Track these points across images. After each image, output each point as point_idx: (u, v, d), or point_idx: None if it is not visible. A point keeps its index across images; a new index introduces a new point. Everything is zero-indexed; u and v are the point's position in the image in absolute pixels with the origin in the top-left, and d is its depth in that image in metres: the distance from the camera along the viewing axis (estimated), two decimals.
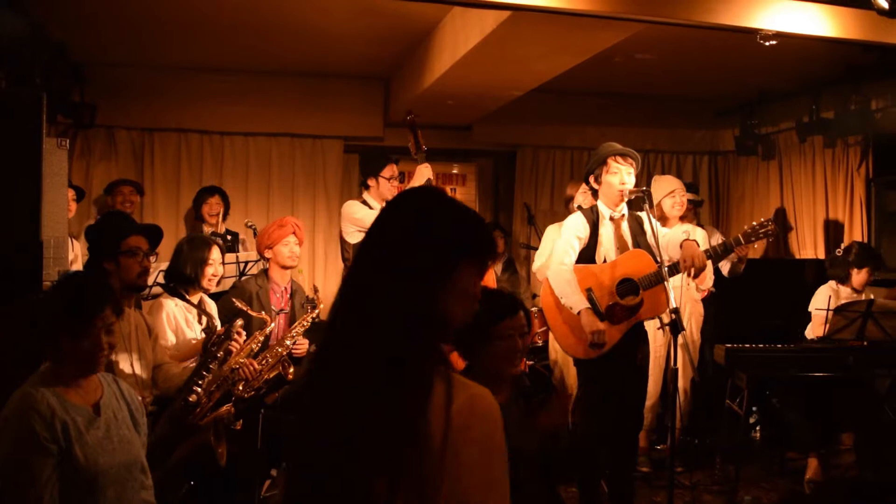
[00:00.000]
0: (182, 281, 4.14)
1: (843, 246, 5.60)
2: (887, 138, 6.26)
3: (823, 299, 5.47)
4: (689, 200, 5.94)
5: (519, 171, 7.92)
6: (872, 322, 4.95)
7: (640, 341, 4.38)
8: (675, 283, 4.49)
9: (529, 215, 7.35)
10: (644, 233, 4.35)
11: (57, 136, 5.29)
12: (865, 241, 6.35)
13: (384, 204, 5.49)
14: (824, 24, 4.42)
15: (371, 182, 5.54)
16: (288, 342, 4.27)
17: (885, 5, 4.06)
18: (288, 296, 4.89)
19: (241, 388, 3.90)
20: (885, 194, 6.30)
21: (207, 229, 6.29)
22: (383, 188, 5.51)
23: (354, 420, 1.33)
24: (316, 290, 4.75)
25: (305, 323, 4.44)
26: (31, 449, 2.23)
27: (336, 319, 1.46)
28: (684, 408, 5.68)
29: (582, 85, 6.99)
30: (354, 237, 5.54)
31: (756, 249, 7.13)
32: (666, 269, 4.12)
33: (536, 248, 6.08)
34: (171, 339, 4.02)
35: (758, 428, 6.13)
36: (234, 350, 3.81)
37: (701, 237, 5.44)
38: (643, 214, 4.34)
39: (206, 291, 4.32)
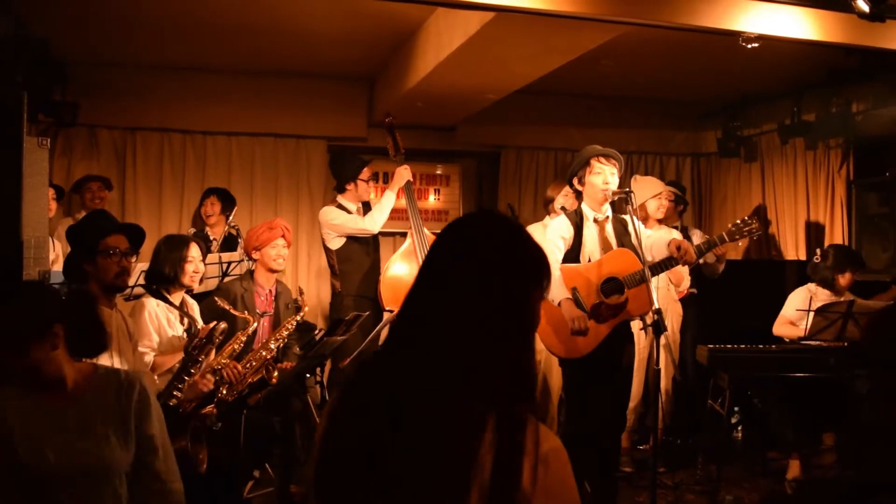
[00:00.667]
0: (162, 281, 4.12)
1: (819, 252, 5.66)
2: (868, 141, 6.32)
3: (799, 301, 5.53)
4: (676, 197, 6.01)
5: (503, 172, 7.93)
6: (853, 323, 4.99)
7: (625, 341, 4.40)
8: (656, 284, 4.51)
9: (513, 216, 7.37)
10: (629, 234, 4.37)
11: (38, 134, 5.24)
12: (846, 242, 6.39)
13: (360, 206, 5.53)
14: (806, 27, 4.45)
15: (349, 186, 5.54)
16: (272, 345, 4.26)
17: (866, 9, 4.10)
18: (272, 298, 4.87)
19: (224, 391, 3.89)
20: (866, 196, 6.36)
21: (199, 229, 6.27)
22: (361, 190, 5.52)
23: (454, 463, 1.34)
24: (301, 293, 4.74)
25: (290, 326, 4.43)
26: None
27: (417, 364, 1.42)
28: (666, 408, 5.71)
29: (566, 86, 7.01)
30: (335, 243, 5.54)
31: (738, 249, 7.18)
32: (649, 269, 4.14)
33: None
34: (154, 338, 4.00)
35: (739, 428, 6.17)
36: (212, 357, 3.79)
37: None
38: (627, 217, 4.37)
39: (189, 290, 4.30)
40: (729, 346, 5.01)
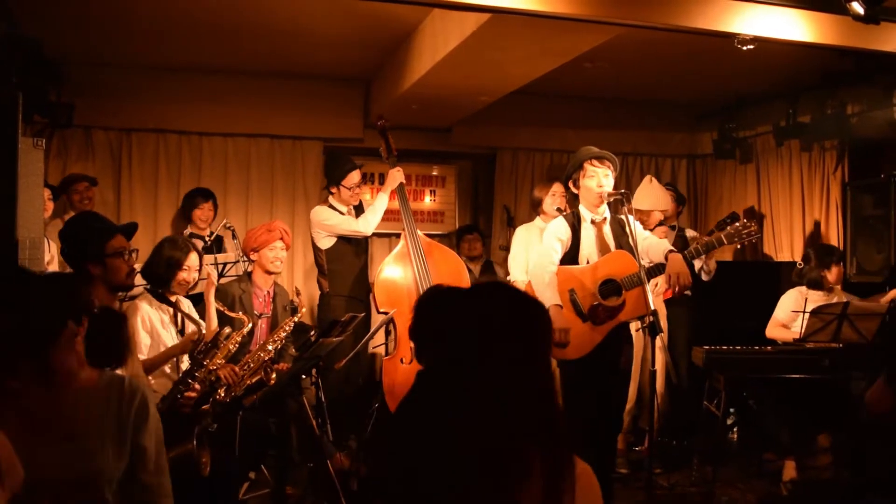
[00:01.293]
0: (155, 280, 4.11)
1: (801, 259, 5.72)
2: (863, 143, 6.33)
3: (791, 303, 5.55)
4: (673, 198, 6.06)
5: (498, 174, 7.93)
6: (847, 324, 5.00)
7: (623, 343, 4.40)
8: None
9: (509, 217, 7.37)
10: (626, 235, 4.38)
11: (33, 135, 5.24)
12: (841, 244, 6.41)
13: (351, 208, 5.54)
14: (801, 29, 4.46)
15: (333, 189, 5.55)
16: (270, 346, 4.26)
17: (861, 11, 4.11)
18: (270, 299, 4.87)
19: (222, 393, 3.89)
20: (861, 198, 6.36)
21: (191, 231, 6.25)
22: (345, 196, 5.53)
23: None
24: (298, 293, 4.74)
25: (287, 327, 4.43)
26: None
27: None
28: (661, 409, 5.71)
29: (562, 88, 7.02)
30: (325, 242, 5.54)
31: (733, 249, 7.20)
32: (645, 272, 4.15)
33: None
34: (145, 340, 3.99)
35: (735, 429, 6.17)
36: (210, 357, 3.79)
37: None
38: (623, 217, 4.37)
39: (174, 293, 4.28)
40: (724, 347, 5.02)
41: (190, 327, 4.11)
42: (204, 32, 5.85)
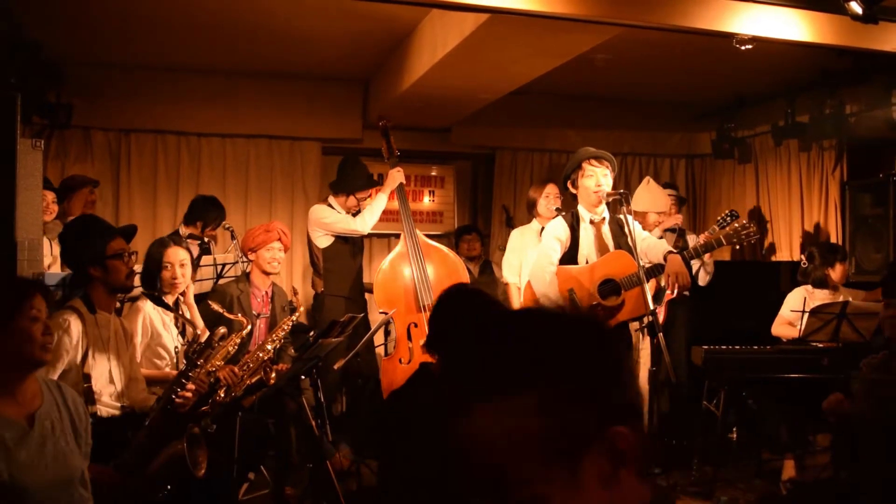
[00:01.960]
0: (150, 283, 4.13)
1: (804, 257, 5.72)
2: (861, 142, 6.34)
3: (795, 302, 5.55)
4: (675, 198, 6.07)
5: (497, 174, 7.93)
6: (846, 323, 5.00)
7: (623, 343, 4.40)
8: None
9: (508, 217, 7.37)
10: (625, 235, 4.37)
11: (32, 136, 5.25)
12: (840, 243, 6.41)
13: (348, 212, 5.54)
14: (800, 28, 4.46)
15: (342, 195, 5.55)
16: (269, 346, 4.25)
17: (860, 11, 4.11)
18: (269, 299, 4.87)
19: (222, 394, 3.89)
20: (860, 197, 6.37)
21: (190, 232, 6.20)
22: (350, 203, 5.54)
23: None
24: (295, 293, 4.73)
25: (286, 327, 4.42)
26: None
27: None
28: (660, 409, 5.71)
29: (560, 88, 7.02)
30: (323, 241, 5.53)
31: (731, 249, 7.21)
32: (644, 272, 4.15)
33: None
34: (140, 339, 3.99)
35: (734, 429, 6.17)
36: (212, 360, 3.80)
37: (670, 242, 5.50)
38: (622, 217, 4.37)
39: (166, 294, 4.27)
40: (724, 346, 5.02)
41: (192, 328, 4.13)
42: (202, 33, 5.85)
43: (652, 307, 4.04)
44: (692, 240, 6.02)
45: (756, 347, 5.06)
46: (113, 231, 3.49)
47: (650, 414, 4.38)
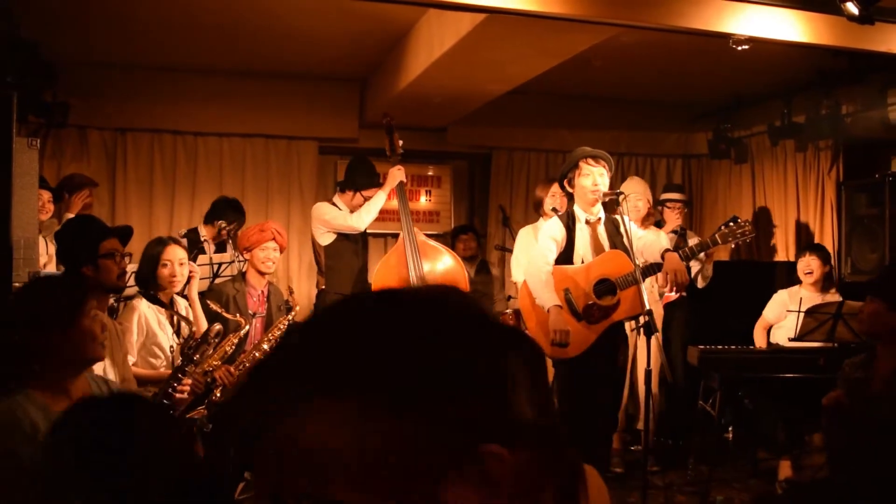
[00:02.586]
0: (145, 282, 4.12)
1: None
2: (857, 142, 6.35)
3: (776, 303, 5.60)
4: (680, 201, 6.09)
5: (494, 174, 7.93)
6: (842, 324, 5.01)
7: (619, 342, 4.40)
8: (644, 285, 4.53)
9: (504, 217, 7.36)
10: (621, 235, 4.38)
11: (28, 135, 5.21)
12: (836, 243, 6.44)
13: (354, 209, 5.54)
14: (796, 29, 4.47)
15: (349, 192, 5.55)
16: (265, 345, 4.25)
17: (856, 11, 4.12)
18: (265, 299, 4.87)
19: (218, 393, 3.89)
20: (856, 198, 6.38)
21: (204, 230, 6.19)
22: (356, 201, 5.54)
23: None
24: (291, 292, 4.73)
25: (282, 326, 4.42)
26: (11, 472, 2.05)
27: None
28: (657, 409, 5.72)
29: (557, 88, 7.02)
30: (325, 238, 5.54)
31: (728, 249, 7.22)
32: (640, 272, 4.15)
33: (511, 251, 6.10)
34: (135, 337, 3.99)
35: (730, 429, 6.18)
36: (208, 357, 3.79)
37: (665, 241, 5.50)
38: (618, 217, 4.38)
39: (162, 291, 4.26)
40: (720, 346, 5.03)
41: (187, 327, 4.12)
42: (199, 32, 5.85)
43: (648, 307, 4.05)
44: (693, 241, 6.03)
45: (752, 347, 5.08)
46: (107, 231, 3.48)
47: (646, 414, 4.37)
